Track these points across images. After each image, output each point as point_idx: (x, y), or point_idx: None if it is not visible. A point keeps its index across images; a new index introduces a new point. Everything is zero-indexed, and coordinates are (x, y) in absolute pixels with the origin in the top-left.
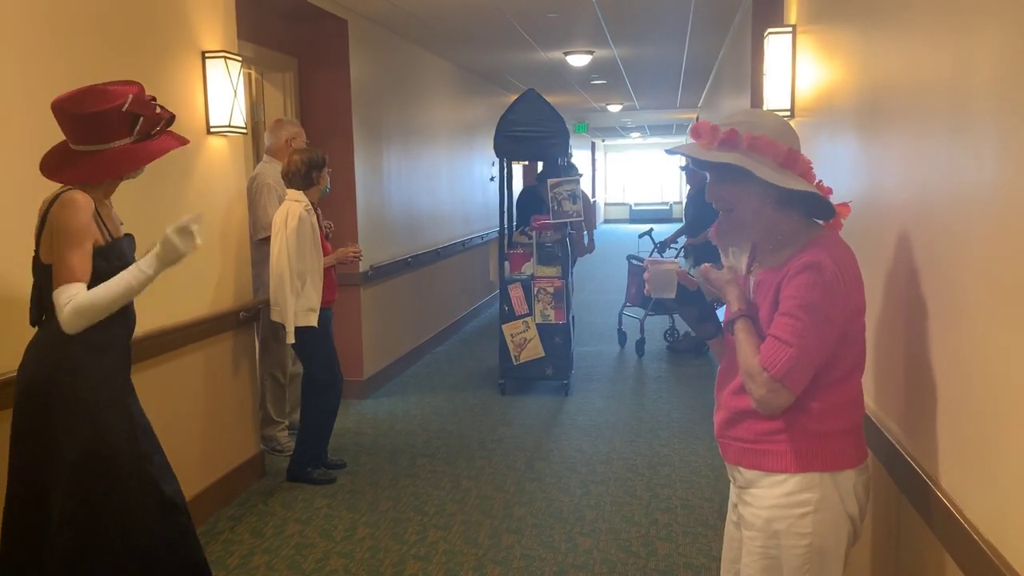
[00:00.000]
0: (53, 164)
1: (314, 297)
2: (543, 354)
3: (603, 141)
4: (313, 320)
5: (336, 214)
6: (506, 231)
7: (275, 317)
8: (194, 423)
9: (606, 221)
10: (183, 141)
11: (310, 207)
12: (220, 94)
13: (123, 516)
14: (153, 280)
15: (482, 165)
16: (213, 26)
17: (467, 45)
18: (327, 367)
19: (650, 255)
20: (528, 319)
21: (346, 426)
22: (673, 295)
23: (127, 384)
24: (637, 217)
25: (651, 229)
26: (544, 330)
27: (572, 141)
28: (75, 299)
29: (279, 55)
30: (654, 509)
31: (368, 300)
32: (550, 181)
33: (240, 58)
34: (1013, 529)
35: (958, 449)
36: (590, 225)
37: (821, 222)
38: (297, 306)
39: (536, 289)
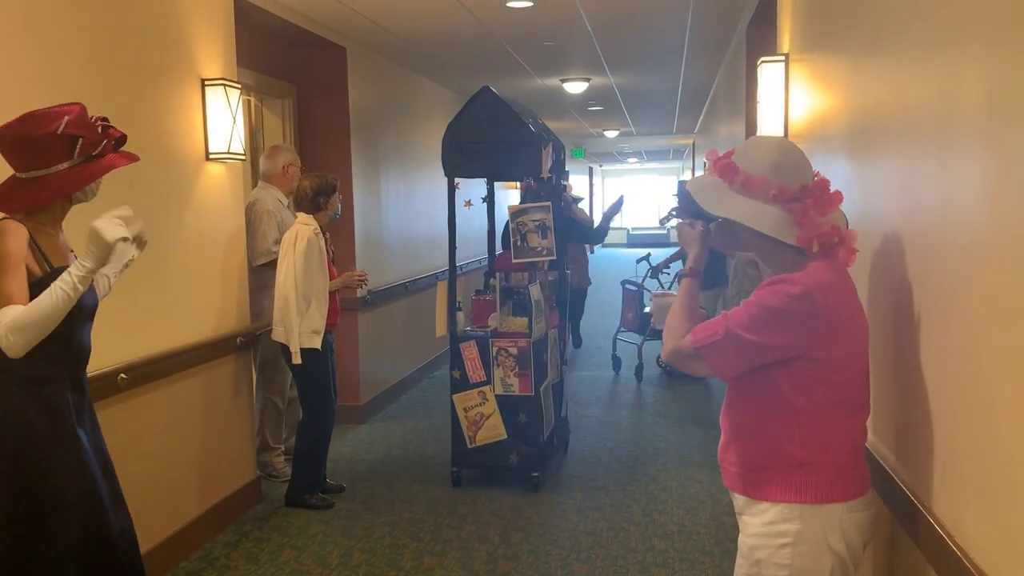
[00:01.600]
0: (1, 194)
1: (319, 320)
2: (505, 435)
3: (600, 166)
4: (316, 342)
5: (334, 239)
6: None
7: (278, 337)
8: (191, 448)
9: (604, 245)
10: (132, 158)
11: (319, 231)
12: (219, 121)
13: (59, 552)
14: (87, 280)
15: (479, 190)
16: (213, 54)
17: (464, 72)
18: (322, 391)
19: (643, 280)
20: (485, 389)
21: (342, 451)
22: None
23: (79, 415)
24: (635, 242)
25: (649, 254)
26: (506, 404)
27: (565, 165)
28: (12, 319)
29: (279, 82)
30: (651, 535)
31: (366, 325)
32: (510, 209)
33: (239, 86)
34: (1003, 555)
35: (950, 475)
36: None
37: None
38: (301, 328)
39: (495, 350)
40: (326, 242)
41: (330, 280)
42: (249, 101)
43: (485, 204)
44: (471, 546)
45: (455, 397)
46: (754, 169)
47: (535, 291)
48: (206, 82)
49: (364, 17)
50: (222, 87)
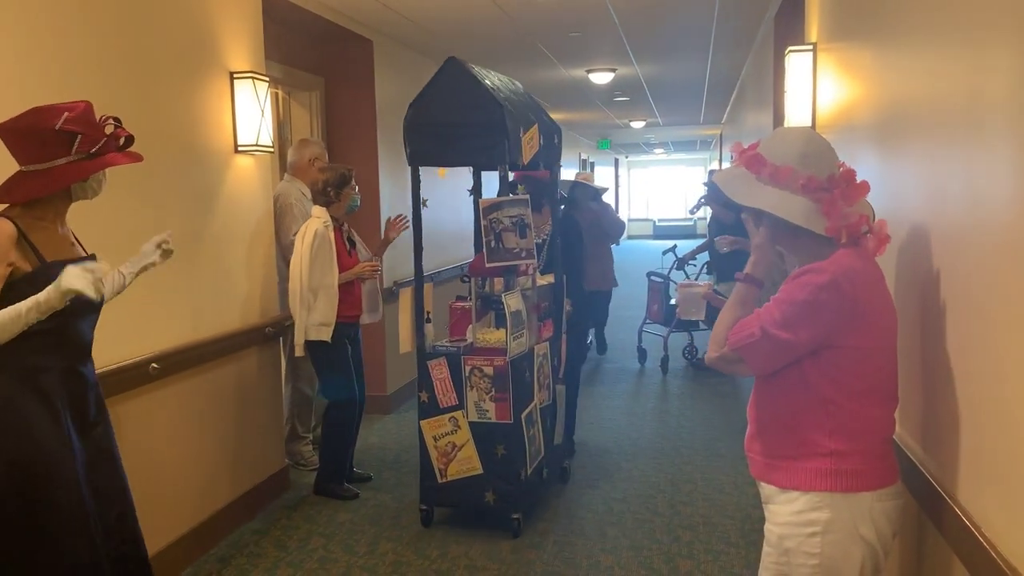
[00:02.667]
0: (4, 186)
1: (327, 312)
2: (480, 470)
3: (626, 157)
4: (326, 335)
5: (361, 230)
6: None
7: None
8: (221, 437)
9: (630, 237)
10: (134, 158)
11: (329, 223)
12: (248, 114)
13: (53, 538)
14: (36, 311)
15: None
16: (241, 48)
17: (490, 64)
18: (340, 382)
19: (668, 271)
20: (457, 414)
21: (369, 441)
22: (702, 317)
23: (78, 406)
24: (661, 233)
25: (675, 245)
26: (481, 433)
27: (591, 156)
28: None
29: (306, 75)
30: (676, 526)
31: (392, 315)
32: (482, 204)
33: (267, 79)
34: None
35: (976, 467)
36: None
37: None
38: (309, 320)
39: (468, 369)
40: (340, 234)
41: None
42: (277, 94)
43: (472, 198)
44: (497, 535)
45: (423, 423)
46: (781, 159)
47: (512, 300)
48: (235, 75)
49: (391, 10)
50: (250, 80)
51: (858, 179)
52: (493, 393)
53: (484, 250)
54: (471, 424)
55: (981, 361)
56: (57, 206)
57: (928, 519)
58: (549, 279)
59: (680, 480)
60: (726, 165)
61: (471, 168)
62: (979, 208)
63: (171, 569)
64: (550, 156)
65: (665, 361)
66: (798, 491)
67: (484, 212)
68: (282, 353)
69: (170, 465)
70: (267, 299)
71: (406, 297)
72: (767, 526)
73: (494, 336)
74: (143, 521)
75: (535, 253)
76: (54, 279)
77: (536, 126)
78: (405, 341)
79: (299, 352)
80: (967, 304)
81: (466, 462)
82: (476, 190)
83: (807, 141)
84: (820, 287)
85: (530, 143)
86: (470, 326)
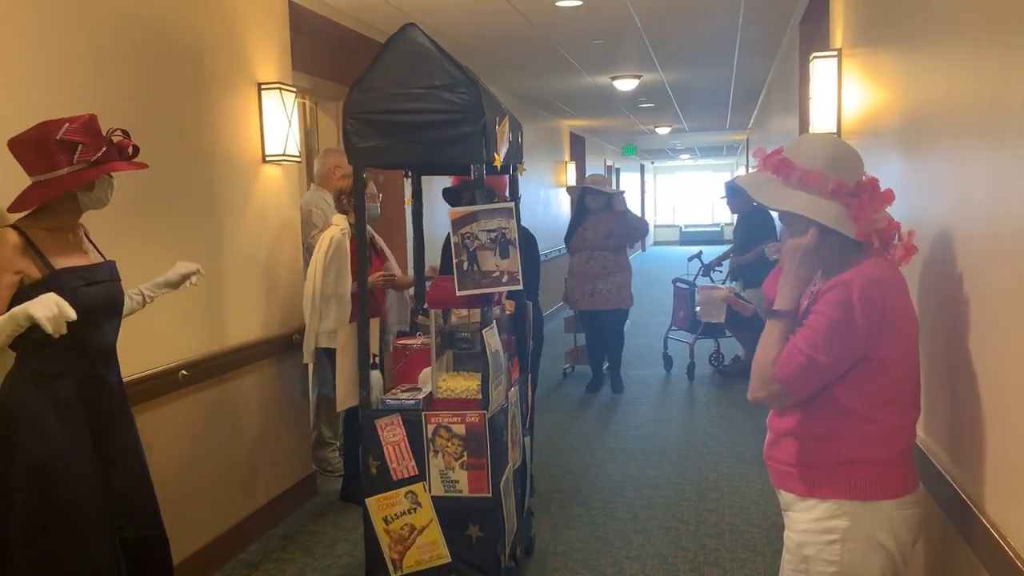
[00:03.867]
0: (16, 198)
1: (340, 320)
2: (447, 558)
3: (652, 163)
4: (331, 342)
5: (386, 237)
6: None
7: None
8: (250, 443)
9: (655, 243)
10: (138, 166)
11: (347, 230)
12: (275, 124)
13: (74, 539)
14: (9, 325)
15: (530, 189)
16: (269, 59)
17: (514, 71)
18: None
19: (694, 278)
20: (416, 488)
21: None
22: (722, 319)
23: (97, 412)
24: (688, 239)
25: (700, 252)
26: (449, 511)
27: (616, 162)
28: None
29: (332, 84)
30: (702, 534)
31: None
32: (452, 215)
33: (295, 89)
34: None
35: (1003, 476)
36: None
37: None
38: (320, 328)
39: (431, 428)
40: (352, 240)
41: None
42: (304, 104)
43: (411, 210)
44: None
45: (370, 502)
46: (810, 164)
47: (491, 338)
48: (262, 86)
49: (417, 20)
50: (278, 91)
51: (882, 188)
52: (465, 459)
53: (454, 273)
54: (435, 500)
55: (1006, 369)
56: (68, 215)
57: (955, 529)
58: (508, 305)
59: (706, 487)
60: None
61: (408, 172)
62: (1003, 214)
63: (200, 574)
64: (515, 157)
65: (691, 368)
66: (816, 499)
67: (455, 225)
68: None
69: (199, 471)
70: (294, 307)
71: (347, 338)
72: (786, 533)
73: (461, 384)
74: (173, 527)
75: (520, 277)
76: (63, 287)
77: (507, 119)
78: (344, 395)
79: (307, 359)
80: (991, 311)
81: (429, 549)
82: (416, 197)
83: (836, 146)
84: (853, 301)
85: (503, 138)
86: (424, 371)
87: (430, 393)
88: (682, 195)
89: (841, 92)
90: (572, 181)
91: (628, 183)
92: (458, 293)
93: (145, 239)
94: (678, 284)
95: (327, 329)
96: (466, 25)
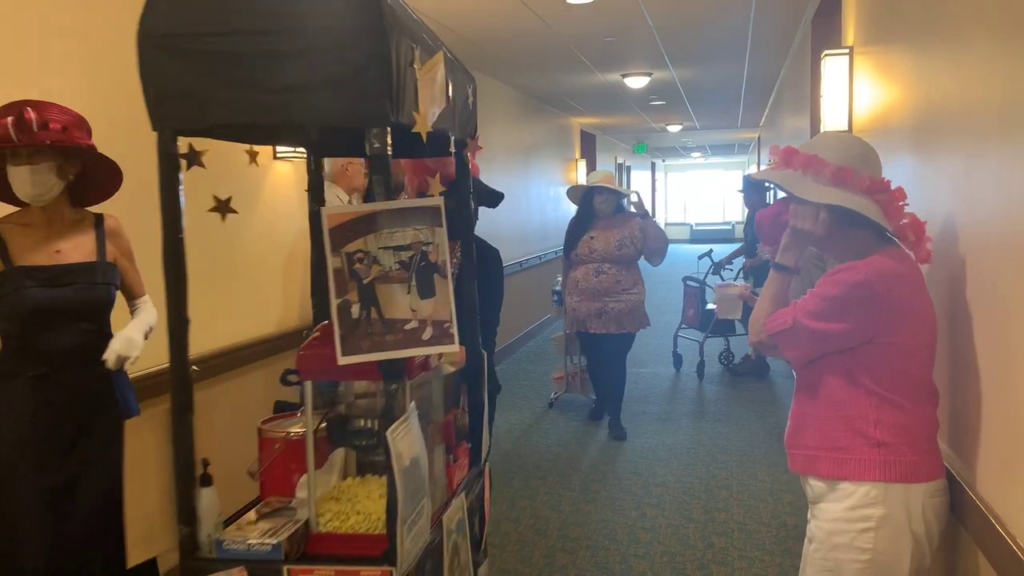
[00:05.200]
0: None
1: None
2: None
3: (663, 161)
4: None
5: None
6: None
7: None
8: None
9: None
10: (31, 138)
11: None
12: None
13: (11, 532)
14: None
15: (539, 187)
16: None
17: (525, 69)
18: None
19: (704, 276)
20: None
21: None
22: (739, 316)
23: (55, 415)
24: (698, 237)
25: (711, 250)
26: None
27: (627, 160)
28: None
29: None
30: (710, 533)
31: None
32: (329, 218)
33: None
34: None
35: (1002, 464)
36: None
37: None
38: None
39: None
40: None
41: None
42: None
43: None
44: (529, 539)
45: None
46: (842, 161)
47: (403, 443)
48: None
49: (428, 18)
50: None
51: (896, 182)
52: None
53: (335, 326)
54: None
55: (1010, 365)
56: (32, 210)
57: (959, 522)
58: (454, 354)
59: (715, 486)
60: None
61: (294, 147)
62: (1013, 212)
63: None
64: (463, 126)
65: (701, 366)
66: (849, 482)
67: (333, 239)
68: None
69: (211, 467)
70: (305, 303)
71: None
72: (814, 523)
73: (359, 506)
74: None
75: (454, 330)
76: (15, 286)
77: (442, 55)
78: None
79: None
80: (996, 307)
81: None
82: (314, 187)
83: (864, 144)
84: (853, 285)
85: (433, 86)
86: (301, 478)
87: (304, 525)
88: (693, 193)
89: (853, 90)
90: (582, 179)
91: (639, 181)
92: (341, 359)
93: (149, 233)
94: (688, 282)
95: None
96: (477, 22)
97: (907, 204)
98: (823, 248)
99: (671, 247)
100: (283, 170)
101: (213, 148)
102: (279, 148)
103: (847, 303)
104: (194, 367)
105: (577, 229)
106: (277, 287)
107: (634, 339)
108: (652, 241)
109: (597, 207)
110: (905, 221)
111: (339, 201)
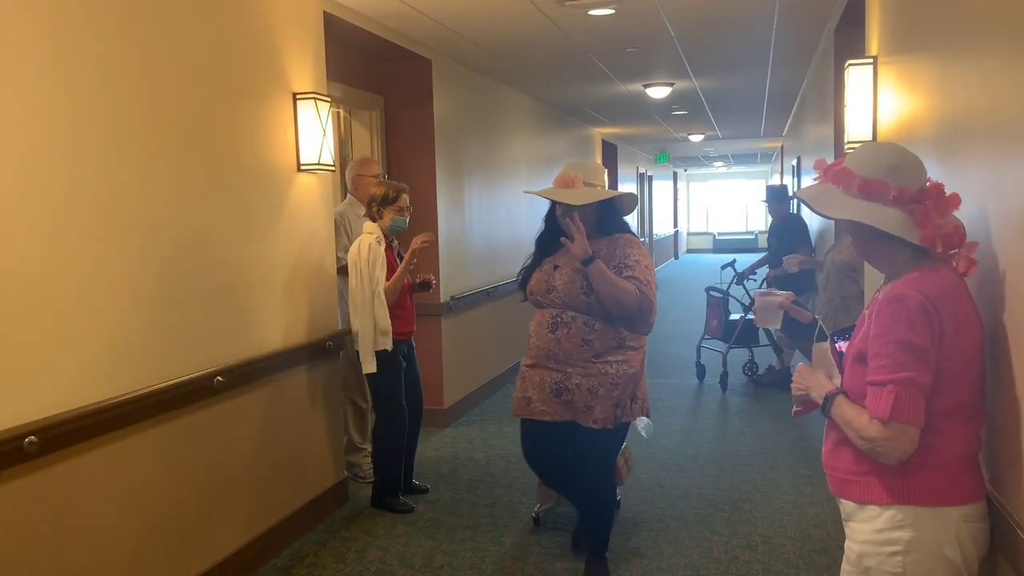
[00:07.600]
0: None
1: (382, 320)
2: None
3: (685, 170)
4: (388, 343)
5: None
6: None
7: (358, 346)
8: (283, 449)
9: (688, 251)
10: None
11: (381, 238)
12: (310, 133)
13: None
14: None
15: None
16: (304, 69)
17: (547, 80)
18: (389, 396)
19: (728, 287)
20: None
21: (426, 454)
22: (778, 326)
23: None
24: (721, 247)
25: (734, 260)
26: None
27: (649, 169)
28: None
29: (366, 94)
30: (734, 546)
31: (448, 330)
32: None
33: (329, 99)
34: None
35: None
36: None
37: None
38: (378, 327)
39: None
40: (391, 250)
41: (405, 286)
42: (338, 113)
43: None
44: (551, 552)
45: None
46: (869, 173)
47: None
48: (297, 96)
49: (448, 29)
50: (312, 100)
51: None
52: None
53: None
54: None
55: None
56: None
57: (999, 552)
58: None
59: (739, 498)
60: (787, 178)
61: None
62: None
63: None
64: None
65: (724, 378)
66: (876, 506)
67: None
68: (353, 363)
69: (234, 475)
70: (327, 314)
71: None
72: (847, 543)
73: None
74: (207, 531)
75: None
76: None
77: None
78: None
79: (369, 367)
80: None
81: None
82: None
83: (896, 154)
84: (914, 312)
85: None
86: None
87: None
88: (715, 202)
89: (877, 100)
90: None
91: (661, 191)
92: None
93: (177, 245)
94: (711, 293)
95: (384, 329)
96: (498, 33)
97: (952, 210)
98: (868, 260)
99: (693, 257)
100: (307, 181)
101: (246, 162)
102: (304, 161)
103: (915, 338)
104: (218, 378)
105: (539, 249)
106: (303, 296)
107: (623, 435)
108: (606, 301)
109: (561, 223)
110: (945, 231)
111: (355, 215)
